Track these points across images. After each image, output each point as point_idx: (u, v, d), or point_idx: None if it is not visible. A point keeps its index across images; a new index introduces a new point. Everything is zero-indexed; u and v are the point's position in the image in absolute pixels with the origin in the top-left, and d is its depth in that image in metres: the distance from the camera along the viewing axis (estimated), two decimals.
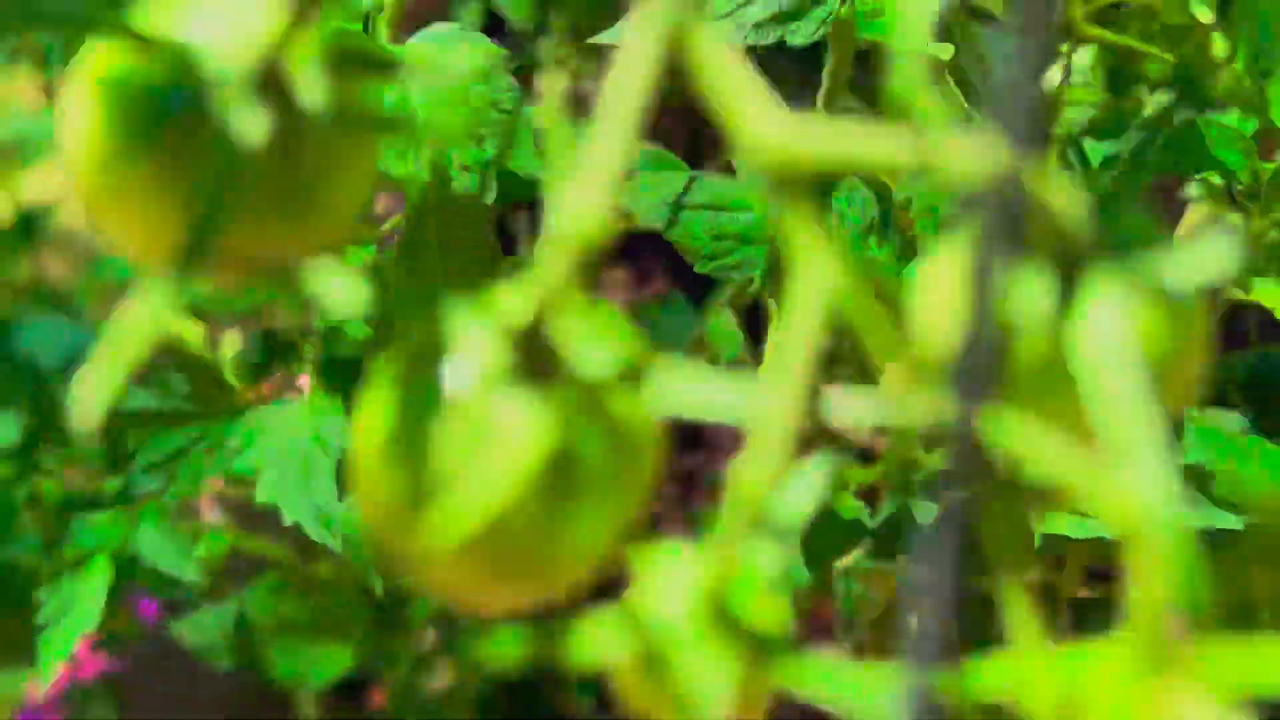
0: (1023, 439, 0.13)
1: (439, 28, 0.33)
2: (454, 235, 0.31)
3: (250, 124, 0.14)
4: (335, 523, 0.45)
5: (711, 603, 0.14)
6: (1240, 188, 0.39)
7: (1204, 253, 0.13)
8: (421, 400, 0.14)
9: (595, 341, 0.14)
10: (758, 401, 0.13)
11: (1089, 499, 0.12)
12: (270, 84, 0.14)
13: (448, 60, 0.32)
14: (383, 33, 0.37)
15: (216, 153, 0.14)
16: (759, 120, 0.14)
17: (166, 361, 0.67)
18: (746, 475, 0.14)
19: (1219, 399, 0.67)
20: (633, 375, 0.14)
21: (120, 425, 0.55)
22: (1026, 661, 0.13)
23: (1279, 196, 0.40)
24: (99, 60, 0.15)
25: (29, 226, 0.83)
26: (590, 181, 0.13)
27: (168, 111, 0.14)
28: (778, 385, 0.13)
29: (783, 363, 0.13)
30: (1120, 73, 0.72)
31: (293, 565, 0.67)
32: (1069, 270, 0.13)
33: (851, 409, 0.13)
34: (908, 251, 0.41)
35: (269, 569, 0.66)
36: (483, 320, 0.14)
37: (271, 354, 0.53)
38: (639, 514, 0.15)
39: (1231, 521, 0.41)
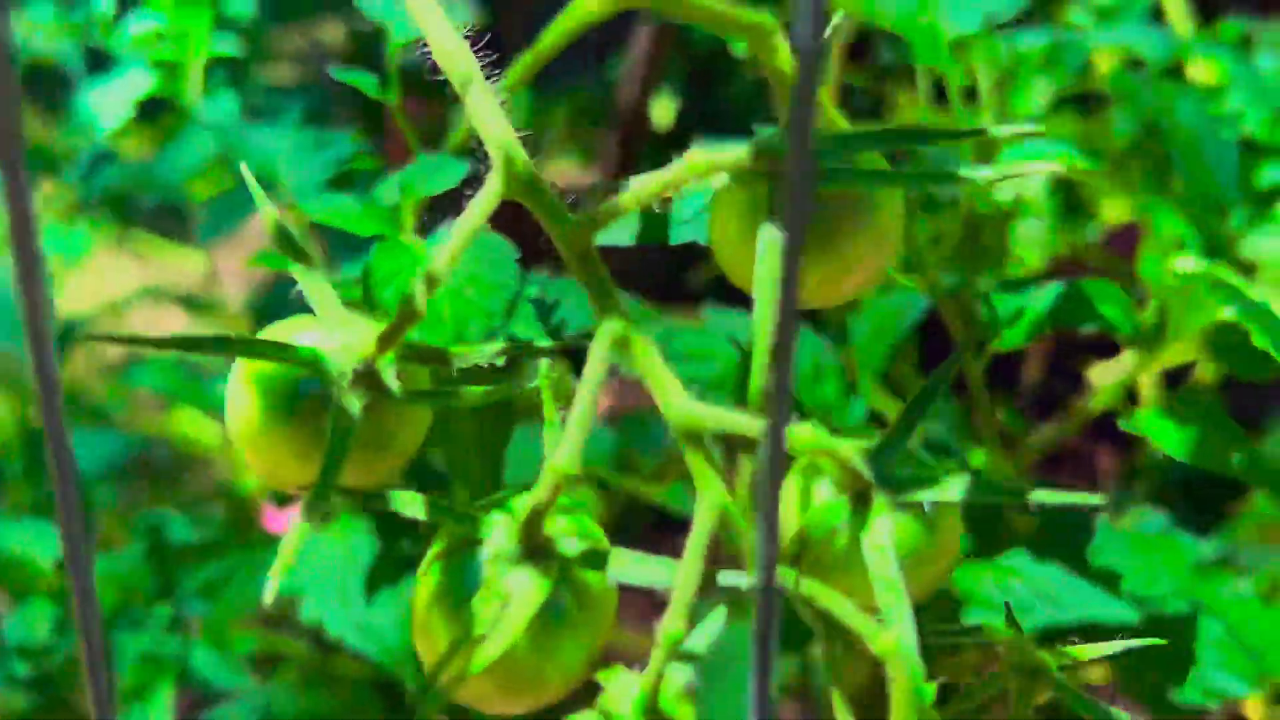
0: (834, 603, 0.21)
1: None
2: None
3: (353, 403, 0.23)
4: (375, 633, 0.52)
5: (647, 704, 0.22)
6: (1124, 336, 0.48)
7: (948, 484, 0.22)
8: (459, 571, 0.23)
9: (571, 534, 0.23)
10: (675, 576, 0.22)
11: (870, 640, 0.21)
12: (366, 375, 0.23)
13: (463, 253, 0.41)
14: (409, 223, 0.46)
15: (333, 420, 0.23)
16: (676, 399, 0.23)
17: (207, 496, 0.76)
18: (669, 625, 0.22)
19: (1161, 495, 0.76)
20: (596, 556, 0.23)
21: (166, 554, 0.64)
22: None
23: (1159, 342, 0.49)
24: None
25: (62, 337, 0.92)
26: (571, 438, 0.22)
27: (300, 394, 0.23)
28: (686, 567, 0.22)
29: (690, 551, 0.22)
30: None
31: (314, 661, 0.74)
32: (864, 494, 0.22)
33: None
34: (849, 390, 0.50)
35: (288, 663, 0.73)
36: (500, 517, 0.23)
37: None
38: (601, 648, 0.23)
39: (1128, 614, 0.49)
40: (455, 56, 0.25)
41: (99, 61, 0.89)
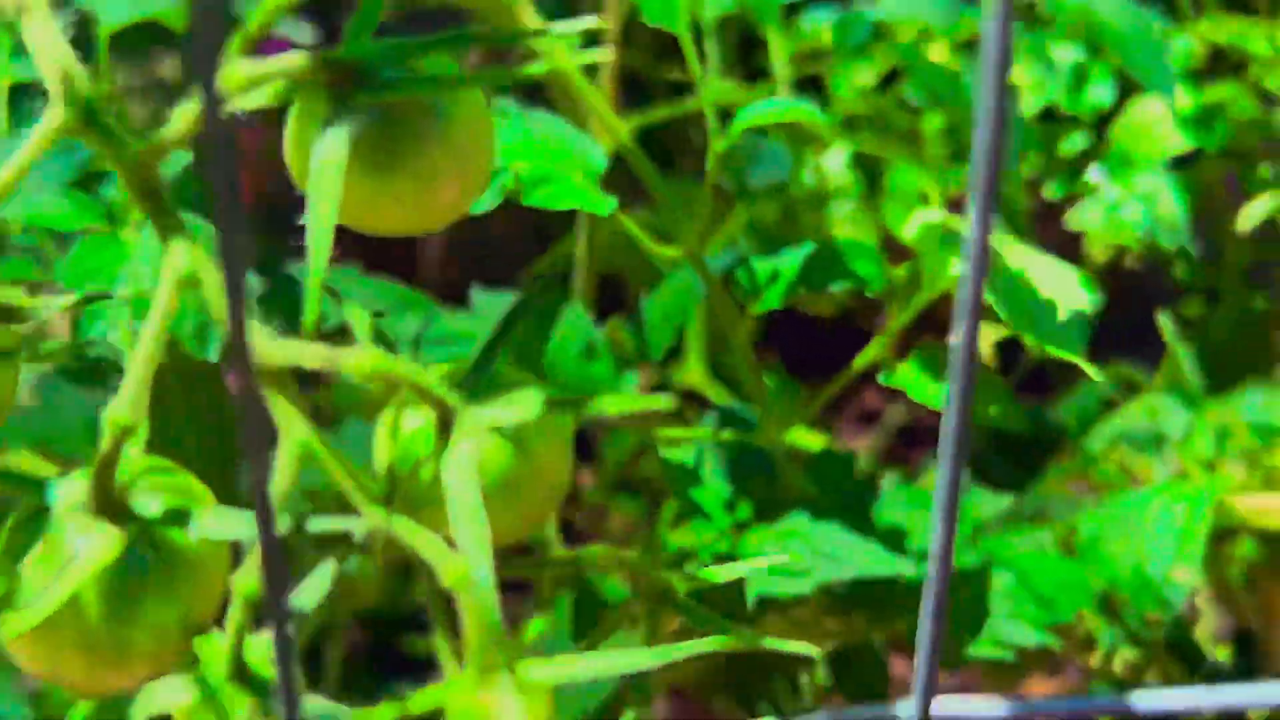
0: (414, 536, 0.20)
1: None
2: (193, 387, 0.37)
3: None
4: None
5: (233, 663, 0.21)
6: (877, 292, 0.47)
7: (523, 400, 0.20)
8: (28, 534, 0.21)
9: (155, 493, 0.21)
10: (251, 530, 0.20)
11: (439, 569, 0.19)
12: None
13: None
14: (135, 218, 0.43)
15: None
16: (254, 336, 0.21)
17: None
18: (242, 580, 0.20)
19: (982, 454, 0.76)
20: (179, 514, 0.21)
21: None
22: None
23: (908, 298, 0.48)
24: None
25: None
26: (129, 387, 0.20)
27: None
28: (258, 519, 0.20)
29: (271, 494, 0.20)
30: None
31: None
32: (449, 422, 0.20)
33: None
34: (621, 368, 0.49)
35: None
36: (75, 475, 0.21)
37: None
38: (201, 618, 0.21)
39: (909, 568, 0.48)
40: None
41: None
